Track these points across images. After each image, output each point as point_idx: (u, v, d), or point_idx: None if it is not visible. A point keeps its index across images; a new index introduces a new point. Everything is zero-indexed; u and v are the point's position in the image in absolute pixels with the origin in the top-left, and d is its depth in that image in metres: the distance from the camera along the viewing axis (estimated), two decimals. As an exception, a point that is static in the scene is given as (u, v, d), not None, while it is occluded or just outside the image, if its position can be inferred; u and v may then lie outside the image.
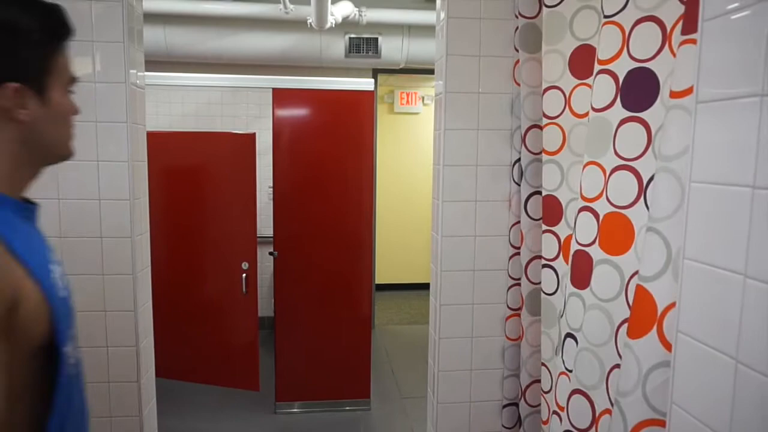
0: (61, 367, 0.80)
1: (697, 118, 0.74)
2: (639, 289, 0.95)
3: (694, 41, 0.79)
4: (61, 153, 0.87)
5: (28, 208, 0.84)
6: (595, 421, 1.18)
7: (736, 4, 0.67)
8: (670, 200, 0.88)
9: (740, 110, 0.66)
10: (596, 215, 1.20)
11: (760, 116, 0.63)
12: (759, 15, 0.64)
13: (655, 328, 0.89)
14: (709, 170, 0.72)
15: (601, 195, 1.19)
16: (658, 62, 1.04)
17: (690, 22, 0.83)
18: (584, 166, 1.24)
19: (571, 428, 1.22)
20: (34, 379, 0.79)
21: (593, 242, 1.20)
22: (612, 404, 1.11)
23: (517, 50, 1.59)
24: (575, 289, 1.26)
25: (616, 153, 1.14)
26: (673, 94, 0.90)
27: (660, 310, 0.90)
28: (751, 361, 0.65)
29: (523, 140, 1.60)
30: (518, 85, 1.61)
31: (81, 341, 1.53)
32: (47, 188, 1.47)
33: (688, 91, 0.84)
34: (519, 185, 1.64)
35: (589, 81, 1.33)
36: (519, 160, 1.63)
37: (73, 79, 0.86)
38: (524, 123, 1.59)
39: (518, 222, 1.65)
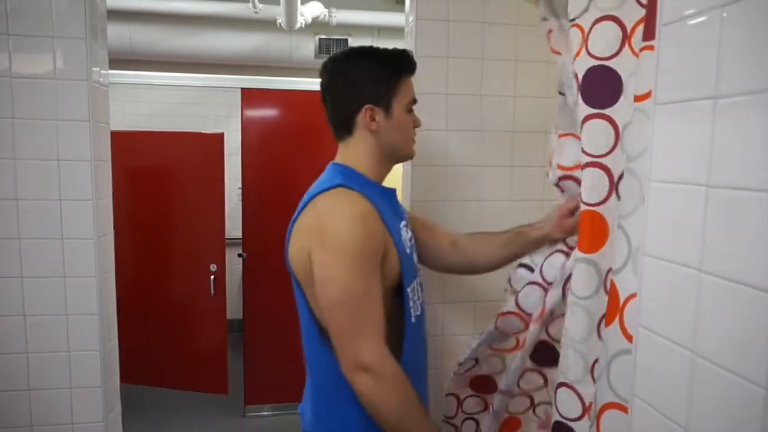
0: (406, 302, 1.16)
1: (655, 120, 0.77)
2: (611, 282, 0.99)
3: (653, 47, 0.81)
4: (404, 153, 1.26)
5: (386, 190, 1.24)
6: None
7: (692, 11, 0.70)
8: (631, 198, 0.91)
9: (695, 112, 0.69)
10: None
11: (713, 118, 0.66)
12: (712, 21, 0.66)
13: (617, 318, 0.93)
14: (667, 169, 0.75)
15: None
16: (618, 61, 1.07)
17: (649, 28, 0.86)
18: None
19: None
20: (392, 313, 1.13)
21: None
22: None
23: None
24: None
25: (583, 150, 1.13)
26: (636, 98, 0.93)
27: (622, 300, 0.93)
28: (706, 353, 0.68)
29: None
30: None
31: (41, 346, 1.49)
32: (5, 188, 1.42)
33: (649, 95, 0.87)
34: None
35: None
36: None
37: (413, 100, 1.24)
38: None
39: None
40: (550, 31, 1.38)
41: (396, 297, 1.17)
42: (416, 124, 1.26)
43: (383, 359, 1.06)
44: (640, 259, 0.82)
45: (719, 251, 0.66)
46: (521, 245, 1.35)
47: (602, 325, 1.12)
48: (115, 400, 1.64)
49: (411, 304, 1.17)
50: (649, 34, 0.87)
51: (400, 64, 1.20)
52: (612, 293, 0.97)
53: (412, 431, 1.09)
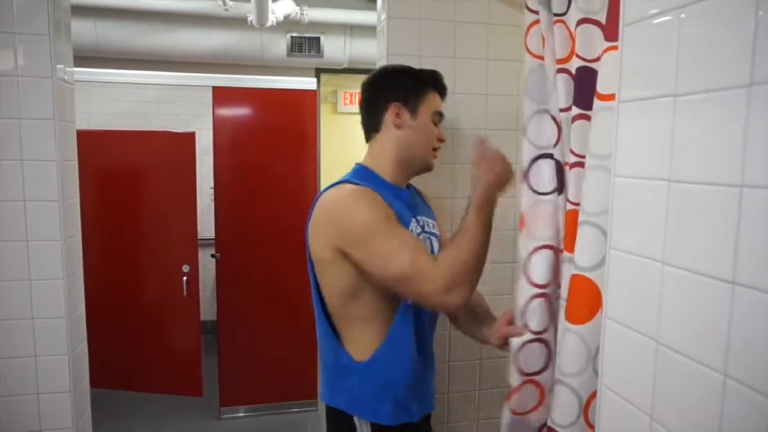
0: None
1: (619, 117, 0.79)
2: (578, 278, 1.00)
3: (616, 47, 0.83)
4: (423, 160, 1.34)
5: (400, 190, 1.34)
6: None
7: (652, 11, 0.72)
8: (605, 196, 0.92)
9: (656, 109, 0.71)
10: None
11: (674, 115, 0.68)
12: (672, 22, 0.69)
13: (599, 312, 0.93)
14: (630, 165, 0.77)
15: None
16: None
17: (612, 29, 0.89)
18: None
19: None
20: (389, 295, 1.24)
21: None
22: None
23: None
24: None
25: (571, 151, 1.12)
26: (600, 97, 0.96)
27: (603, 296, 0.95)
28: (669, 342, 0.70)
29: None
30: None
31: (6, 351, 1.45)
32: (-35, 189, 1.38)
33: (614, 96, 0.88)
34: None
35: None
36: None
37: (439, 113, 1.34)
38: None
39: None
40: (531, 26, 1.27)
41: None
42: (440, 137, 1.35)
43: (441, 272, 1.14)
44: (606, 252, 0.84)
45: (680, 244, 0.68)
46: (475, 327, 1.43)
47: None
48: (85, 404, 1.61)
49: None
50: (612, 34, 0.89)
51: (425, 74, 1.35)
52: (587, 289, 0.98)
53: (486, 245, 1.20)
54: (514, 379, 1.24)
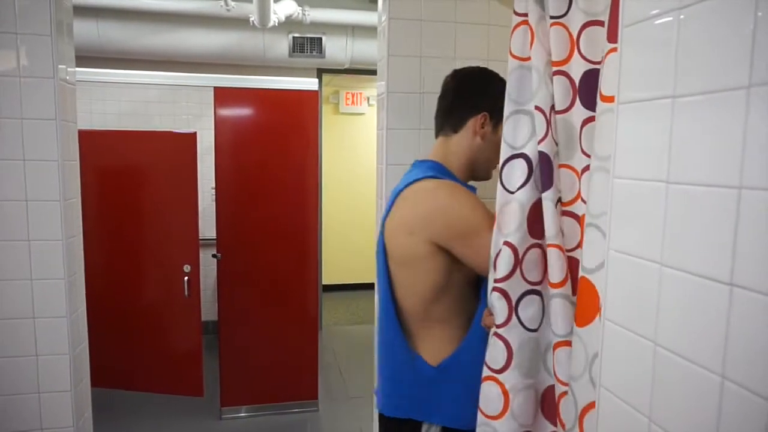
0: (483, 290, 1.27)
1: (618, 118, 0.79)
2: (583, 280, 1.00)
3: (617, 49, 0.83)
4: (485, 170, 1.39)
5: (472, 188, 1.37)
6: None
7: (652, 12, 0.72)
8: (607, 197, 0.91)
9: (655, 111, 0.71)
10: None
11: (672, 116, 0.68)
12: (671, 23, 0.69)
13: (598, 316, 0.93)
14: (629, 166, 0.77)
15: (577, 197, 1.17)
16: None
17: (613, 31, 0.89)
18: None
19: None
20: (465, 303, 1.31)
21: (576, 247, 1.16)
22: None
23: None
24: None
25: (583, 152, 1.12)
26: (603, 98, 0.95)
27: (601, 299, 0.94)
28: (668, 344, 0.70)
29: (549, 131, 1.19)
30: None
31: (8, 350, 1.45)
32: (-33, 189, 1.38)
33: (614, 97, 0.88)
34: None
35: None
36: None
37: None
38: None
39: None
40: (516, 27, 1.25)
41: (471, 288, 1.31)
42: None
43: None
44: (606, 253, 0.84)
45: (679, 245, 0.68)
46: None
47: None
48: (86, 404, 1.61)
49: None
50: (613, 36, 0.89)
51: None
52: (589, 292, 0.98)
53: None
54: (483, 371, 1.22)
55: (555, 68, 1.17)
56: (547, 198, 1.17)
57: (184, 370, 3.18)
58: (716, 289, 0.62)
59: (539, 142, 1.18)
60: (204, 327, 3.30)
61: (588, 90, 1.11)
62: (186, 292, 2.99)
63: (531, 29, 1.19)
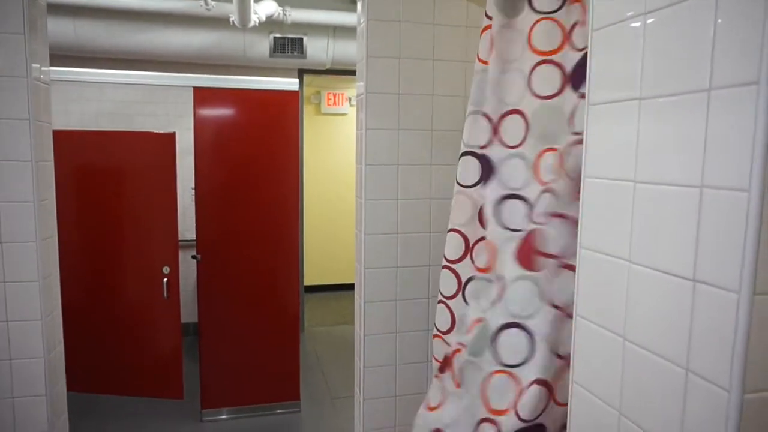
0: None
1: (588, 119, 0.81)
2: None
3: None
4: None
5: None
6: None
7: (619, 17, 0.74)
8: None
9: (623, 112, 0.73)
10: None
11: (639, 117, 0.70)
12: (638, 28, 0.71)
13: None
14: (599, 166, 0.79)
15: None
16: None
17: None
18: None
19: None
20: None
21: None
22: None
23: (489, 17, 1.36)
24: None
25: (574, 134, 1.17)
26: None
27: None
28: (636, 338, 0.72)
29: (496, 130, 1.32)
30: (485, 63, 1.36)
31: (-21, 354, 1.41)
32: (-63, 190, 1.35)
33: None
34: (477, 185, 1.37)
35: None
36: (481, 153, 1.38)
37: None
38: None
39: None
40: (483, 31, 1.36)
41: None
42: None
43: None
44: (576, 251, 0.86)
45: (646, 243, 0.70)
46: None
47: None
48: (62, 408, 1.59)
49: None
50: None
51: None
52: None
53: None
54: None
55: (544, 57, 1.24)
56: (491, 194, 1.30)
57: (163, 373, 3.14)
58: (680, 285, 0.64)
59: (482, 148, 1.32)
60: (184, 329, 3.26)
61: (580, 77, 1.17)
62: (165, 294, 2.95)
63: (491, 36, 1.27)
